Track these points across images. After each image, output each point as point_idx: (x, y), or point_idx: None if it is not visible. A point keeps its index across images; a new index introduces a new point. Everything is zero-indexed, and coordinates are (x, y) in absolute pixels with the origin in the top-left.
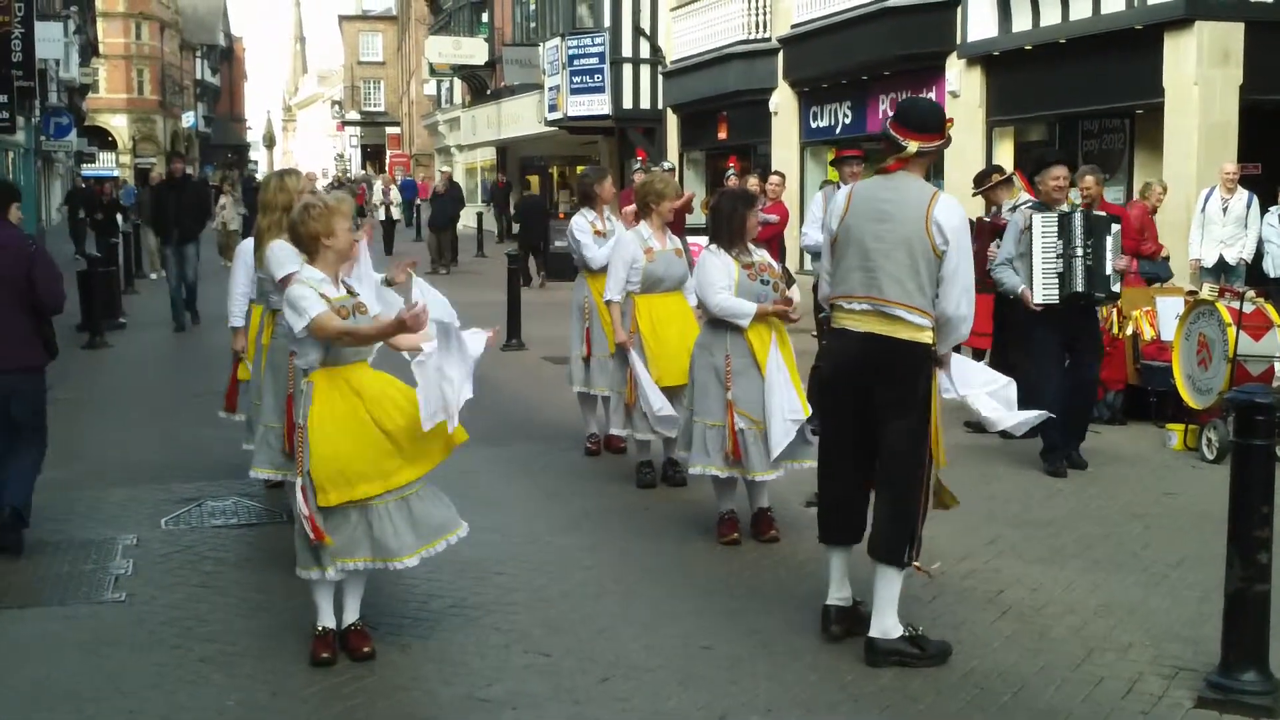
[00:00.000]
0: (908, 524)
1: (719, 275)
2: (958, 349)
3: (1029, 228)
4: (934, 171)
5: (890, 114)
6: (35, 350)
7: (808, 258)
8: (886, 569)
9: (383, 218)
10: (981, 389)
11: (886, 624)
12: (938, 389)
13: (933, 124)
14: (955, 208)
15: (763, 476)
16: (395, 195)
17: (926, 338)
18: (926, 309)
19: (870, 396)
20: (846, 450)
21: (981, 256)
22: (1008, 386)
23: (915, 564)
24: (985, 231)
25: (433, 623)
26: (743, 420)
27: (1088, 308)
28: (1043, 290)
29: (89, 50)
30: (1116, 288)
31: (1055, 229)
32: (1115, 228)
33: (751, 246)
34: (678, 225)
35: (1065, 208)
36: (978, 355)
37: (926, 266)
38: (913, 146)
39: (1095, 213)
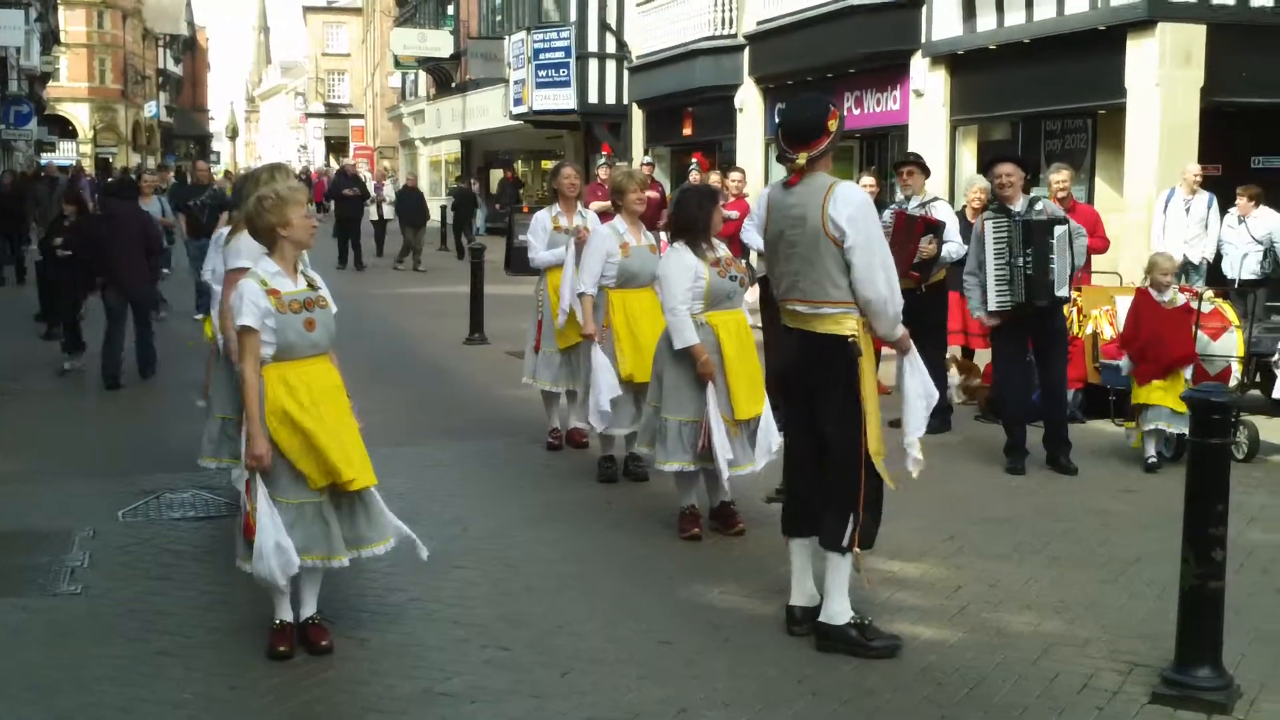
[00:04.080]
0: (845, 509)
1: (683, 277)
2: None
3: (983, 234)
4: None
5: (844, 112)
6: (149, 274)
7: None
8: (832, 555)
9: (374, 217)
10: (919, 399)
11: (833, 609)
12: (871, 375)
13: (812, 130)
14: (849, 197)
15: (737, 471)
16: (389, 192)
17: (848, 328)
18: (844, 299)
19: (806, 390)
20: (802, 444)
21: (905, 250)
22: (931, 400)
23: (855, 550)
24: (901, 225)
25: (392, 617)
26: (715, 417)
27: (1043, 309)
28: (995, 299)
29: (50, 38)
30: (1063, 292)
31: (1005, 235)
32: (1059, 230)
33: (715, 242)
34: (654, 221)
35: (1018, 208)
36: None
37: (833, 260)
38: (802, 158)
39: (1035, 218)
